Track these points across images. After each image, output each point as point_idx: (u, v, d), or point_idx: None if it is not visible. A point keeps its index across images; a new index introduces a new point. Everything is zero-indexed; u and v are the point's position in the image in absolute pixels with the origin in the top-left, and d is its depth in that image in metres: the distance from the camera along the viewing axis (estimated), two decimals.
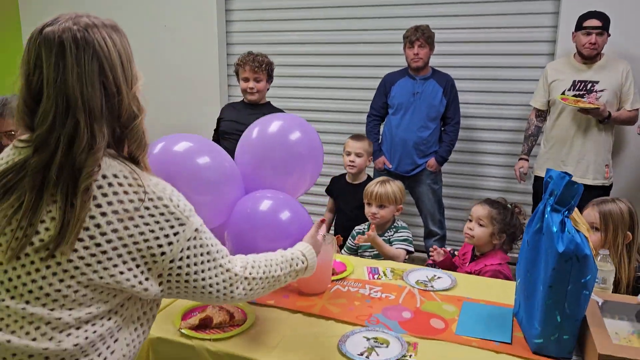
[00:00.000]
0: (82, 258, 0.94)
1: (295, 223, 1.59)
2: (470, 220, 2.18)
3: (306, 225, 1.51)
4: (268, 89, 3.14)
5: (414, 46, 3.30)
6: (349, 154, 2.95)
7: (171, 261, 1.02)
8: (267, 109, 3.05)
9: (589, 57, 3.00)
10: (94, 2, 4.15)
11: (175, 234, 1.01)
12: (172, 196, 1.03)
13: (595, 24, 2.92)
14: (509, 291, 1.70)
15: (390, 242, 2.37)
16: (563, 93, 3.06)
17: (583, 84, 3.02)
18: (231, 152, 2.98)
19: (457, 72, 3.70)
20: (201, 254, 1.06)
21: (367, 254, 2.44)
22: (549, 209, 1.37)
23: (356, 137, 3.04)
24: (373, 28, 3.98)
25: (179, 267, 1.03)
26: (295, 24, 4.21)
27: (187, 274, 1.04)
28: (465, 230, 2.18)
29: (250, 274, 1.15)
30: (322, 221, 1.47)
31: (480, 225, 2.13)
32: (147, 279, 1.00)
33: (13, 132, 2.75)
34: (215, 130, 3.28)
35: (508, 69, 3.72)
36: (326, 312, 1.58)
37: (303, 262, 1.30)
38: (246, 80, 3.01)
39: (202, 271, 1.06)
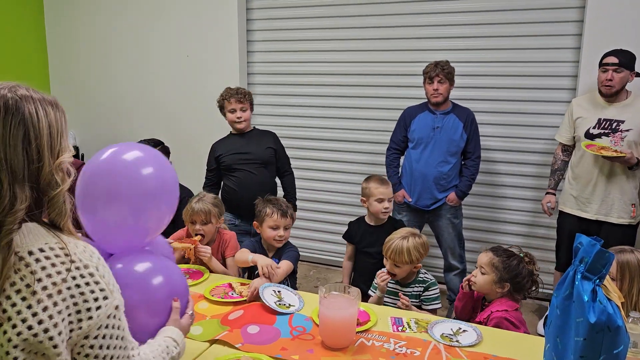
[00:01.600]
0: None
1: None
2: (476, 268, 2.18)
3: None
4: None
5: (434, 82, 3.31)
6: (381, 200, 2.77)
7: (85, 337, 1.01)
8: (257, 135, 3.32)
9: (607, 95, 2.98)
10: (120, 48, 4.25)
11: (97, 308, 1.01)
12: (99, 265, 1.05)
13: (612, 61, 2.92)
14: (535, 347, 1.68)
15: (418, 298, 2.33)
16: (588, 133, 3.04)
17: (608, 122, 3.00)
18: (242, 182, 3.14)
19: (478, 105, 3.71)
20: (116, 337, 1.05)
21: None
22: (579, 276, 1.35)
23: (382, 181, 2.85)
24: (393, 60, 4.01)
25: (91, 347, 1.02)
26: (316, 55, 4.26)
27: (95, 357, 1.03)
28: (470, 276, 2.18)
29: None
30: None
31: (482, 273, 2.12)
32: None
33: None
34: (212, 170, 3.31)
35: (529, 102, 3.72)
36: None
37: (176, 348, 1.30)
38: (233, 111, 3.21)
39: (112, 358, 1.05)
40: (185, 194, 2.93)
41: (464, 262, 3.64)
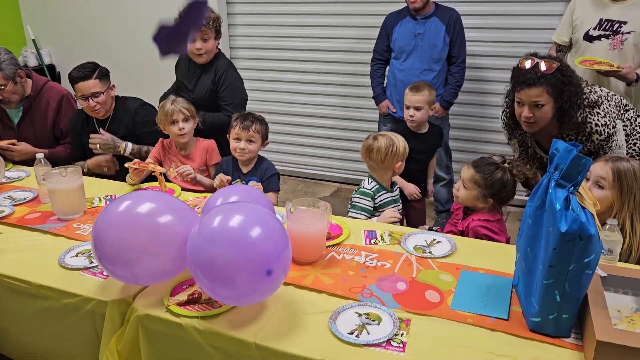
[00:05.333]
0: None
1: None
2: (459, 180, 2.12)
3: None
4: (218, 45, 2.83)
5: None
6: (408, 107, 2.72)
7: None
8: (212, 68, 2.78)
9: None
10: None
11: None
12: None
13: None
14: (510, 257, 1.63)
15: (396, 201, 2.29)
16: (587, 35, 2.84)
17: (610, 23, 2.78)
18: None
19: (465, 7, 3.48)
20: None
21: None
22: (553, 184, 1.27)
23: (415, 88, 2.75)
24: None
25: None
26: None
27: None
28: (454, 189, 2.13)
29: None
30: None
31: (465, 187, 2.06)
32: None
33: (2, 87, 2.65)
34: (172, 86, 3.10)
35: (522, 3, 3.48)
36: (319, 284, 1.54)
37: None
38: (192, 41, 2.62)
39: None
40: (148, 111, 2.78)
41: (450, 172, 3.59)
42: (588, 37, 2.86)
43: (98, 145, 2.57)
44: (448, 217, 3.52)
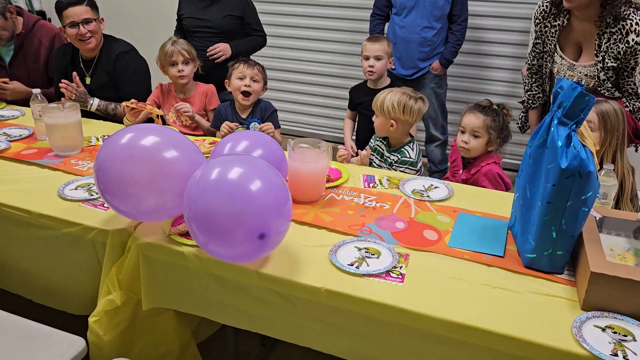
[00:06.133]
0: None
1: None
2: (463, 132, 2.08)
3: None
4: None
5: None
6: (367, 58, 2.65)
7: None
8: None
9: None
10: None
11: None
12: None
13: None
14: (506, 202, 1.66)
15: (391, 165, 2.22)
16: None
17: None
18: (202, 49, 2.83)
19: None
20: None
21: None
22: (555, 121, 1.28)
23: (374, 38, 2.72)
24: None
25: None
26: None
27: None
28: (459, 143, 2.09)
29: None
30: None
31: (476, 136, 2.05)
32: None
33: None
34: (177, 26, 3.10)
35: None
36: (319, 221, 1.56)
37: None
38: None
39: None
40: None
41: (445, 133, 3.60)
42: None
43: (74, 96, 2.45)
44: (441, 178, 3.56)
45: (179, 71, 2.40)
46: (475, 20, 3.60)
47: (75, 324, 1.53)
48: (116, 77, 2.60)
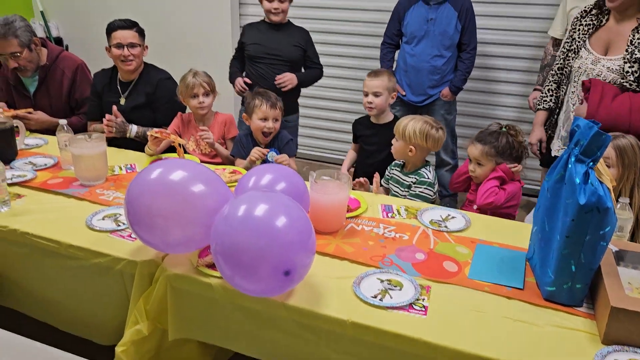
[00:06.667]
0: None
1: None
2: (470, 161, 2.20)
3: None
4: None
5: None
6: (366, 94, 2.61)
7: None
8: (290, 29, 3.09)
9: None
10: None
11: None
12: None
13: None
14: (522, 233, 1.71)
15: (409, 188, 2.27)
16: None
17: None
18: (264, 76, 3.00)
19: None
20: None
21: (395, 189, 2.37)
22: (573, 159, 1.33)
23: (374, 73, 2.66)
24: None
25: None
26: None
27: None
28: (469, 172, 2.22)
29: None
30: None
31: (479, 164, 2.15)
32: None
33: (18, 54, 2.67)
34: (236, 54, 3.20)
35: None
36: (341, 252, 1.60)
37: None
38: (270, 0, 2.96)
39: None
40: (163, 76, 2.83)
41: (455, 157, 3.65)
42: None
43: (114, 130, 2.53)
44: (453, 201, 3.60)
45: (199, 103, 2.47)
46: (484, 48, 3.67)
47: (101, 354, 1.56)
48: (155, 101, 2.74)
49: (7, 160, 2.18)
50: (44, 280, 1.74)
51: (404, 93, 3.42)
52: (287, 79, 3.05)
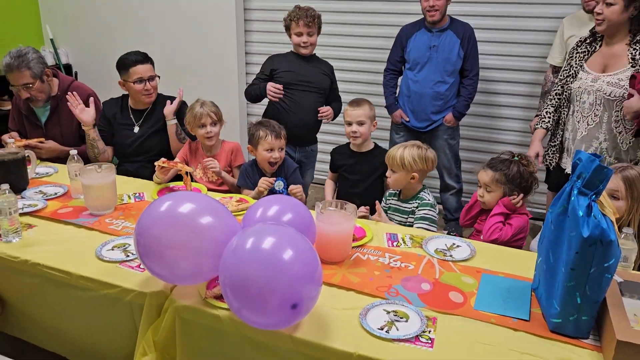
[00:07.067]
0: None
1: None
2: (480, 186, 2.23)
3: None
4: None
5: None
6: (349, 124, 2.58)
7: None
8: (317, 60, 3.17)
9: (589, 12, 2.90)
10: None
11: None
12: None
13: None
14: (526, 262, 1.72)
15: (414, 214, 2.29)
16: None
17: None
18: (298, 102, 3.05)
19: (476, 21, 3.58)
20: None
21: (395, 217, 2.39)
22: (575, 191, 1.35)
23: (355, 103, 2.61)
24: None
25: None
26: None
27: None
28: (478, 197, 2.25)
29: None
30: None
31: (488, 191, 2.18)
32: None
33: (30, 85, 2.72)
34: (261, 79, 3.15)
35: (523, 18, 3.61)
36: (347, 282, 1.61)
37: None
38: (300, 35, 3.02)
39: None
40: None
41: (460, 182, 3.67)
42: None
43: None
44: (457, 225, 3.61)
45: (207, 132, 2.51)
46: (486, 73, 3.72)
47: None
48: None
49: (19, 190, 2.22)
50: (54, 310, 1.76)
51: (407, 119, 3.46)
52: (330, 113, 3.11)
